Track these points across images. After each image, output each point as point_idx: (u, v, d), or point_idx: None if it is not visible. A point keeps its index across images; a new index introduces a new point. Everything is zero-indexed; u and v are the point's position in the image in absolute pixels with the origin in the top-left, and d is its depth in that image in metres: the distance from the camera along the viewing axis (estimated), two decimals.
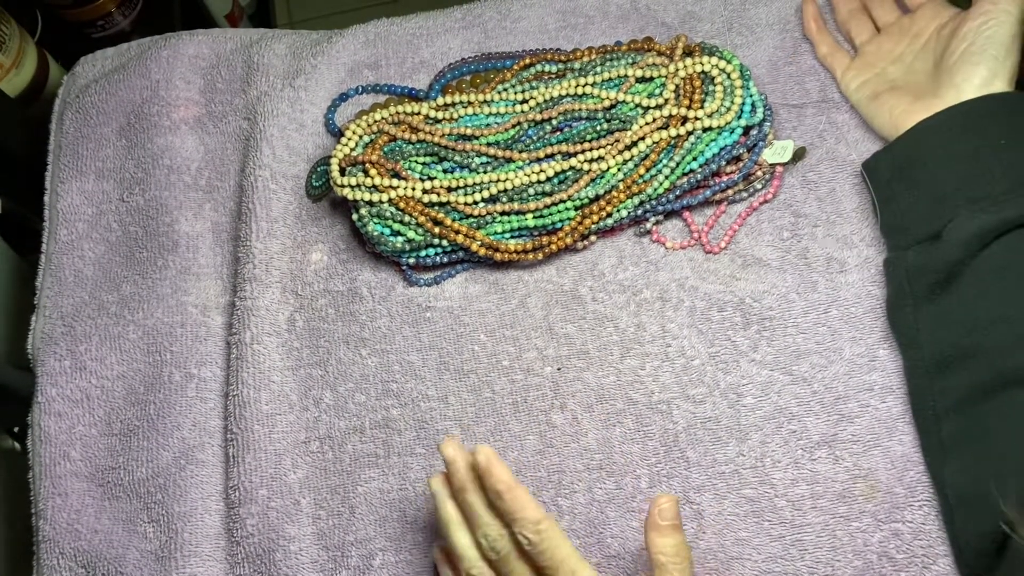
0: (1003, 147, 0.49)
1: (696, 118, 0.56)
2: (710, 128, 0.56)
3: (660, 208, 0.56)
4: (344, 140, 0.57)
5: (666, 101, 0.57)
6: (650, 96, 0.57)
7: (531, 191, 0.56)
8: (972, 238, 0.48)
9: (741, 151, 0.56)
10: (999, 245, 0.48)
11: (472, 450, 0.44)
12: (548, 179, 0.56)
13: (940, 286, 0.49)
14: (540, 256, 0.56)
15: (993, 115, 0.50)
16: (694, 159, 0.56)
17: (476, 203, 0.56)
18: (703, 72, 0.57)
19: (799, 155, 0.58)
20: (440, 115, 0.58)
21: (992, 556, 0.45)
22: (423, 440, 0.54)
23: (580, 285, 0.57)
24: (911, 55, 0.57)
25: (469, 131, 0.57)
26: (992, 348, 0.47)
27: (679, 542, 0.44)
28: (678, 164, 0.56)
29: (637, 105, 0.57)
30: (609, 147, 0.56)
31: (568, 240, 0.56)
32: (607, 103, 0.57)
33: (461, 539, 0.45)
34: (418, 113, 0.58)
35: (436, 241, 0.56)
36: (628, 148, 0.56)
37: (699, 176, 0.56)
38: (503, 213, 0.56)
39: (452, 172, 0.57)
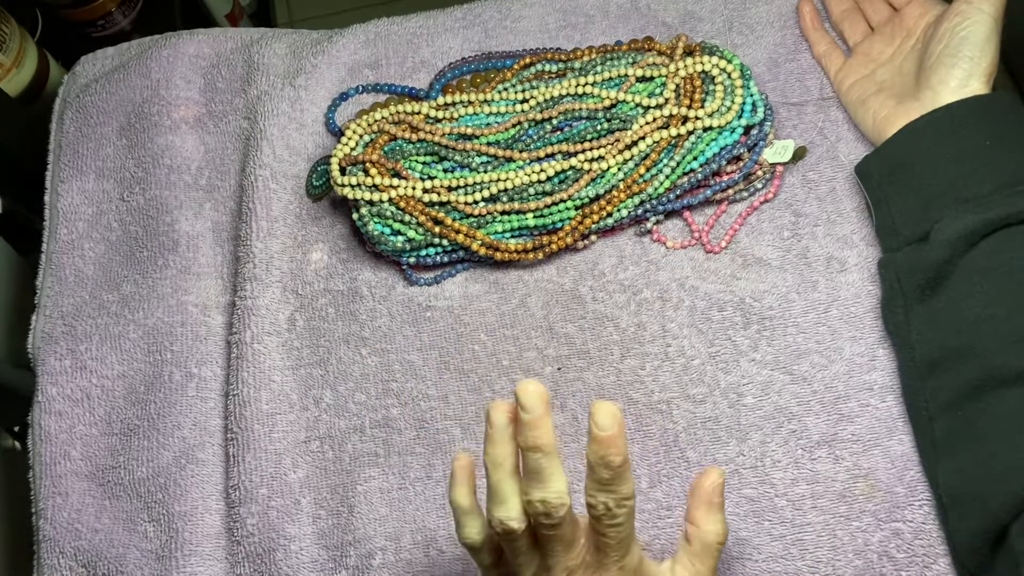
0: (988, 148, 0.50)
1: (696, 118, 0.56)
2: (710, 128, 0.56)
3: (660, 208, 0.56)
4: (344, 139, 0.57)
5: (666, 101, 0.57)
6: (650, 96, 0.57)
7: (531, 191, 0.56)
8: (958, 238, 0.48)
9: (742, 151, 0.56)
10: (986, 245, 0.48)
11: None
12: (548, 179, 0.56)
13: (929, 287, 0.49)
14: (540, 256, 0.56)
15: (977, 117, 0.50)
16: (694, 159, 0.56)
17: (476, 202, 0.56)
18: (703, 72, 0.57)
19: (799, 154, 0.58)
20: (440, 114, 0.58)
21: (987, 556, 0.45)
22: (423, 439, 0.54)
23: (580, 285, 0.57)
24: (901, 56, 0.56)
25: (469, 130, 0.57)
26: (980, 348, 0.47)
27: (726, 525, 0.44)
28: (678, 164, 0.56)
29: (637, 105, 0.57)
30: (609, 147, 0.56)
31: (568, 240, 0.56)
32: (607, 103, 0.57)
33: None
34: (418, 112, 0.58)
35: (436, 240, 0.56)
36: (628, 148, 0.56)
37: (699, 176, 0.56)
38: (503, 212, 0.56)
39: (452, 171, 0.57)
